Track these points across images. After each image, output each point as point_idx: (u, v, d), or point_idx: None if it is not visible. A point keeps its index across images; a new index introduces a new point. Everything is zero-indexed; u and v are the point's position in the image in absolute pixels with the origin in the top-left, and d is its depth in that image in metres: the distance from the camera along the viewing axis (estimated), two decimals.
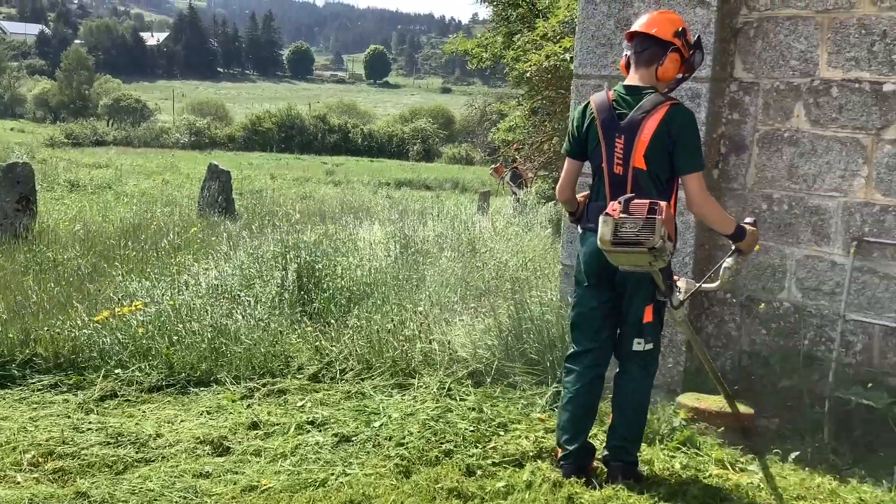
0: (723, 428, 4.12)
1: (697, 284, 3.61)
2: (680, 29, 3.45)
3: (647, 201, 3.24)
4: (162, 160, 29.80)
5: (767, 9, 4.43)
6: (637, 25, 3.51)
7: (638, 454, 3.68)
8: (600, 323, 3.61)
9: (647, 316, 3.53)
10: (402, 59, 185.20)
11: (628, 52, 3.54)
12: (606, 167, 3.48)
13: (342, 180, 26.40)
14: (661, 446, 3.98)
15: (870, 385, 4.09)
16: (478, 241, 9.18)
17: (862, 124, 4.16)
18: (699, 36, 3.55)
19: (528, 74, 11.76)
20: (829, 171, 4.28)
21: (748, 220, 3.58)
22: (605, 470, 3.66)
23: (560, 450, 3.66)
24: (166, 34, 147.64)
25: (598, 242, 3.23)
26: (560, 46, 10.84)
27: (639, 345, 3.54)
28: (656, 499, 3.40)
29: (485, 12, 14.98)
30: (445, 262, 7.64)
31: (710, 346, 4.74)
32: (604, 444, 3.72)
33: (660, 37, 3.42)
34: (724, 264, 3.55)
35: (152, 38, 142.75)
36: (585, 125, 3.56)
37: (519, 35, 12.70)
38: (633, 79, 3.50)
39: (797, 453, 3.99)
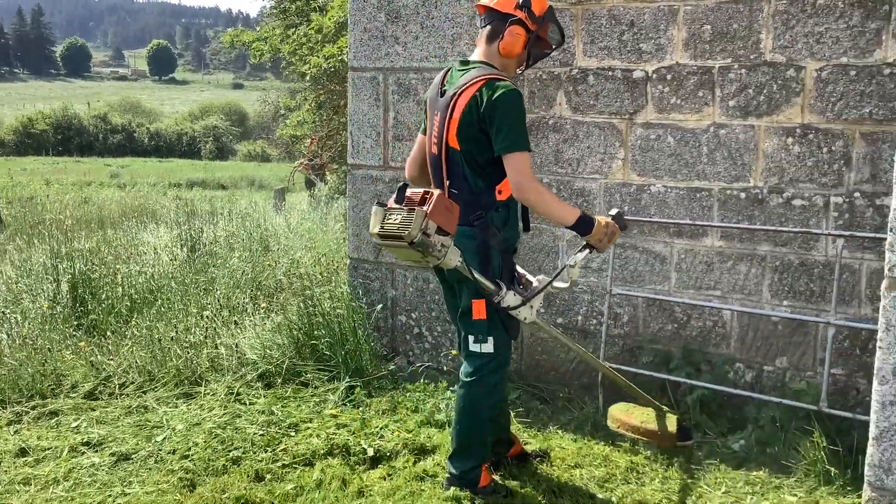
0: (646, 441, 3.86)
1: (547, 282, 3.33)
2: (521, 0, 3.21)
3: (423, 190, 2.99)
4: None
5: None
6: None
7: (470, 470, 3.33)
8: (453, 316, 3.50)
9: (478, 312, 3.23)
10: (188, 55, 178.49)
11: (480, 28, 3.33)
12: (427, 146, 3.35)
13: (128, 183, 24.99)
14: (450, 430, 4.06)
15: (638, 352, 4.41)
16: (271, 239, 9.01)
17: (616, 110, 4.44)
18: (550, 7, 3.31)
19: (310, 76, 11.70)
20: (591, 154, 4.54)
21: (613, 211, 3.34)
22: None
23: None
24: None
25: (369, 232, 3.05)
26: (337, 47, 10.85)
27: (475, 344, 3.27)
28: (441, 483, 3.47)
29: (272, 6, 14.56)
30: (236, 262, 7.43)
31: None
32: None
33: (499, 9, 3.21)
34: (569, 261, 3.30)
35: None
36: (425, 100, 3.41)
37: (294, 29, 12.56)
38: (474, 54, 3.31)
39: (576, 423, 4.22)
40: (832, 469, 3.51)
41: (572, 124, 4.57)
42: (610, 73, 4.44)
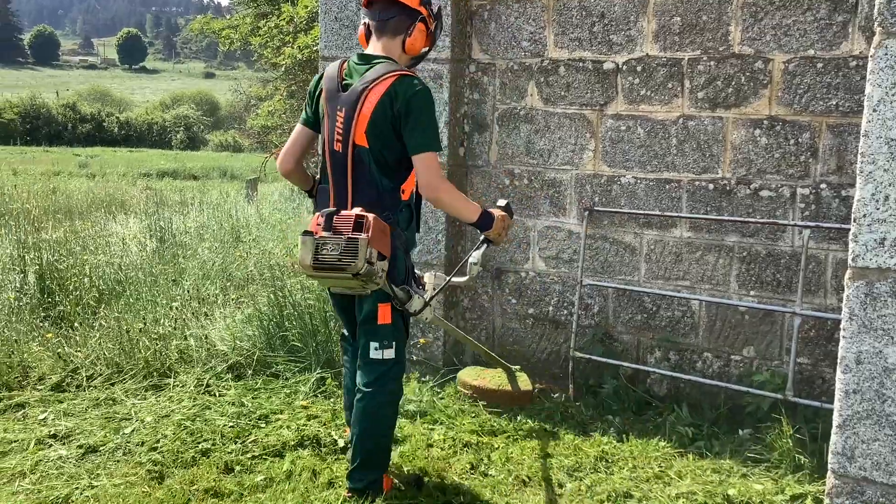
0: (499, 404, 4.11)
1: (446, 280, 3.38)
2: None
3: (353, 214, 2.92)
4: None
5: None
6: None
7: (374, 482, 3.22)
8: (345, 314, 3.37)
9: (384, 317, 3.13)
10: (159, 43, 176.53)
11: (368, 21, 3.18)
12: (328, 143, 3.12)
13: (97, 173, 24.66)
14: (420, 421, 4.07)
15: (614, 343, 4.45)
16: (242, 230, 8.94)
17: (587, 101, 4.45)
18: (440, 7, 3.34)
19: (283, 67, 11.63)
20: (562, 145, 4.55)
21: (500, 202, 3.37)
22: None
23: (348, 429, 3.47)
24: None
25: (298, 265, 2.90)
26: (311, 37, 10.80)
27: (376, 351, 3.13)
28: (418, 473, 3.47)
29: None
30: (206, 253, 7.37)
31: (466, 318, 4.91)
32: None
33: (408, 4, 3.10)
34: (471, 259, 3.33)
35: None
36: (316, 94, 3.21)
37: (265, 21, 12.46)
38: (372, 49, 3.16)
39: (547, 413, 4.24)
40: (798, 457, 3.56)
41: (543, 115, 4.58)
42: (581, 64, 4.45)
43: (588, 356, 4.36)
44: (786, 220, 4.02)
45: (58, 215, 10.17)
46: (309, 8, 11.09)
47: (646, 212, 4.32)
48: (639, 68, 4.29)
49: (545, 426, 4.09)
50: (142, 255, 7.25)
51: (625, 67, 4.33)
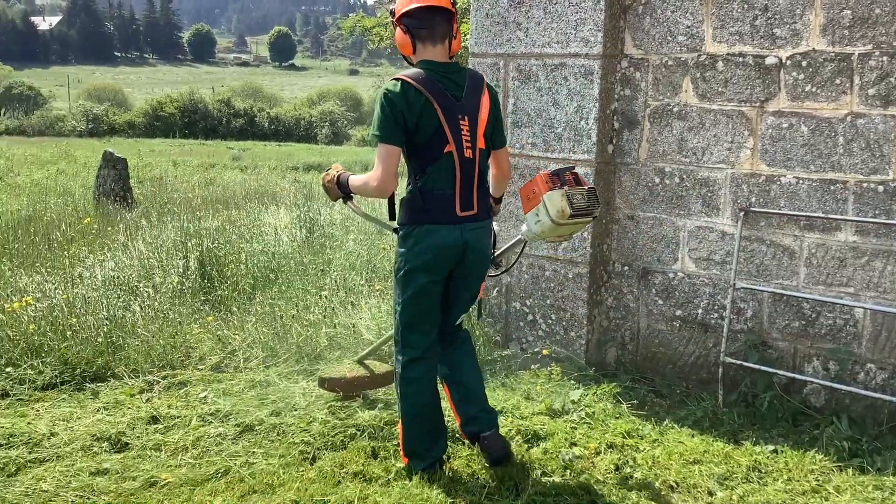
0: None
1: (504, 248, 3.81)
2: None
3: (569, 171, 3.35)
4: (57, 149, 28.39)
5: None
6: None
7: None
8: (437, 316, 3.45)
9: (481, 291, 3.64)
10: (307, 41, 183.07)
11: (422, 30, 3.26)
12: (457, 152, 3.23)
13: (249, 165, 25.81)
14: (563, 419, 4.05)
15: (767, 350, 4.28)
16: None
17: (746, 97, 4.29)
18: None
19: None
20: (717, 143, 4.41)
21: None
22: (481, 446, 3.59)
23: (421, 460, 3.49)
24: (59, 18, 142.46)
25: (556, 217, 3.21)
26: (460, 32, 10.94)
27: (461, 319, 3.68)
28: (564, 471, 3.46)
29: None
30: (352, 245, 7.59)
31: (610, 318, 4.85)
32: (461, 423, 3.68)
33: (448, 7, 3.29)
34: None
35: (44, 23, 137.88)
36: (418, 109, 3.16)
37: None
38: (437, 56, 3.27)
39: (694, 418, 4.13)
40: None
41: (698, 112, 4.45)
42: (741, 59, 4.29)
43: (740, 362, 4.21)
44: None
45: (216, 205, 10.72)
46: (458, 4, 11.20)
47: (808, 214, 4.12)
48: (804, 63, 4.10)
49: (693, 432, 3.99)
50: (292, 245, 7.55)
51: (789, 62, 4.14)
